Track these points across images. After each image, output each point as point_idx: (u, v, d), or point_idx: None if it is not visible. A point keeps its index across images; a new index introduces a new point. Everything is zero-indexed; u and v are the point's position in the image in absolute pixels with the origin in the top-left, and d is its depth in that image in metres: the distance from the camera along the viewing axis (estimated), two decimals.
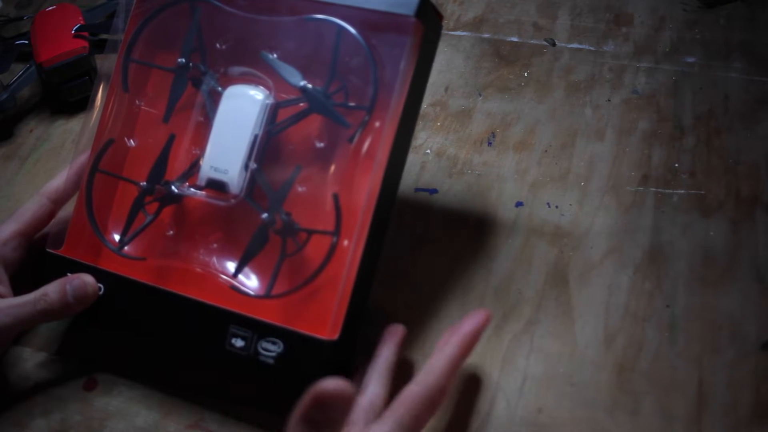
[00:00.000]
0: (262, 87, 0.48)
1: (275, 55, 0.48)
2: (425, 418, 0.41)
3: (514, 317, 0.50)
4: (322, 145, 0.47)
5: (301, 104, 0.48)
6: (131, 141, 0.52)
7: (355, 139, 0.46)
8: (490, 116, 0.62)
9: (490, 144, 0.60)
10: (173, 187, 0.49)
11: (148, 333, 0.49)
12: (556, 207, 0.55)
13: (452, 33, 0.70)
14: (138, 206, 0.50)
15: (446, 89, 0.65)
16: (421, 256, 0.54)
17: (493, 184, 0.57)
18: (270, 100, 0.48)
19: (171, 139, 0.50)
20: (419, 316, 0.50)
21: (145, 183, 0.50)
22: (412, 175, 0.58)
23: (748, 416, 0.44)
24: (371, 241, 0.44)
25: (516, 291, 0.51)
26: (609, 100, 0.62)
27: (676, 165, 0.57)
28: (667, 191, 0.55)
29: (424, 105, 0.63)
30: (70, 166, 0.52)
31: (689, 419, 0.44)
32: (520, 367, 0.48)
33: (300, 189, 0.47)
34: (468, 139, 0.61)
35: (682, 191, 0.55)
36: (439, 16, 0.47)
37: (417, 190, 0.58)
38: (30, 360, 0.51)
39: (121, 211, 0.51)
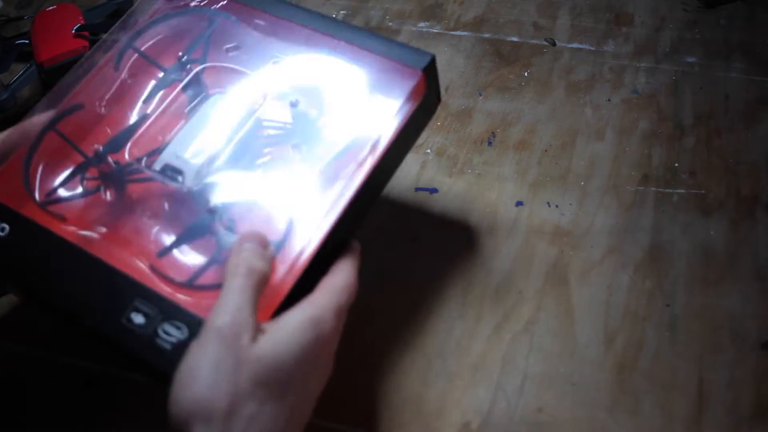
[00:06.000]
0: (250, 100, 0.48)
1: (276, 70, 0.48)
2: (349, 293, 0.42)
3: (514, 317, 0.50)
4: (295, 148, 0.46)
5: (287, 125, 0.47)
6: (102, 109, 0.50)
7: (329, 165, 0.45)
8: (490, 116, 0.62)
9: (490, 144, 0.60)
10: (121, 165, 0.47)
11: (45, 290, 0.43)
12: (557, 206, 0.55)
13: (453, 33, 0.70)
14: (79, 171, 0.48)
15: (446, 89, 0.65)
16: (421, 256, 0.54)
17: (493, 183, 0.57)
18: (257, 110, 0.47)
19: (142, 117, 0.49)
20: (419, 316, 0.50)
21: (100, 147, 0.48)
22: (412, 175, 0.58)
23: (749, 416, 0.44)
24: (320, 260, 0.42)
25: (516, 291, 0.51)
26: (609, 100, 0.62)
27: (677, 165, 0.57)
28: (667, 191, 0.55)
29: None
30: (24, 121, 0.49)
31: (689, 419, 0.44)
32: (520, 367, 0.48)
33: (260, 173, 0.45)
34: (468, 139, 0.61)
35: (683, 191, 0.55)
36: (437, 95, 0.49)
37: (417, 189, 0.58)
38: (30, 360, 0.51)
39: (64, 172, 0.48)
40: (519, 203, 0.56)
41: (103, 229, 0.46)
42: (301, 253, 0.42)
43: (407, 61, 0.46)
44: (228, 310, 0.37)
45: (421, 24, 0.71)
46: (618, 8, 0.70)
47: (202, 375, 0.35)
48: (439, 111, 0.63)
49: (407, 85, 0.46)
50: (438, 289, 0.52)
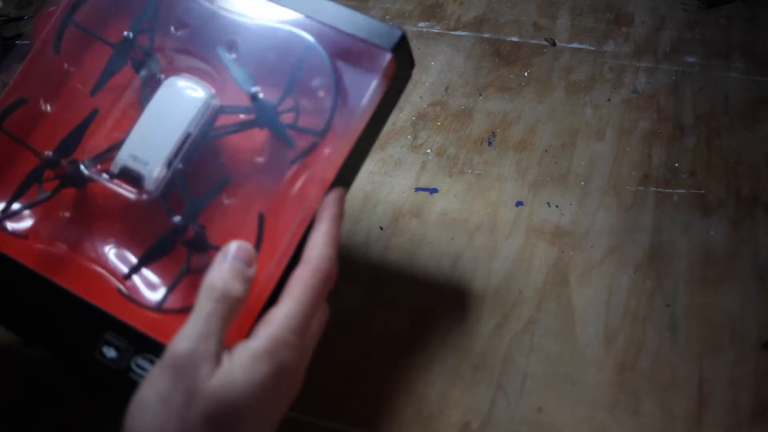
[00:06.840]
0: (207, 85, 0.43)
1: (233, 56, 0.43)
2: (321, 293, 0.38)
3: (514, 317, 0.50)
4: (261, 160, 0.42)
5: (248, 114, 0.43)
6: (47, 106, 0.46)
7: (297, 163, 0.41)
8: (490, 116, 0.62)
9: (490, 143, 0.60)
10: (82, 167, 0.43)
11: (13, 324, 0.43)
12: (557, 206, 0.55)
13: (453, 33, 0.70)
14: (34, 178, 0.44)
15: (446, 89, 0.65)
16: (421, 256, 0.54)
17: (493, 183, 0.57)
18: (214, 102, 0.43)
19: (93, 114, 0.45)
20: (419, 316, 0.50)
21: (50, 153, 0.44)
22: (412, 175, 0.58)
23: (749, 415, 0.44)
24: (294, 263, 0.39)
25: (516, 291, 0.51)
26: (609, 100, 0.62)
27: (677, 164, 0.57)
28: (667, 191, 0.55)
29: (424, 105, 0.63)
30: None
31: (690, 418, 0.44)
32: (520, 367, 0.48)
33: (226, 201, 0.42)
34: (468, 139, 0.61)
35: (683, 191, 0.55)
36: (411, 63, 0.44)
37: (417, 189, 0.58)
38: (30, 360, 0.51)
39: (14, 180, 0.45)
40: (519, 203, 0.56)
41: (65, 246, 0.43)
42: (273, 263, 0.39)
43: (376, 40, 0.41)
44: (189, 338, 0.35)
45: (421, 24, 0.71)
46: (618, 8, 0.70)
47: (150, 407, 0.34)
48: (439, 111, 0.63)
49: (376, 68, 0.41)
50: (438, 289, 0.52)
